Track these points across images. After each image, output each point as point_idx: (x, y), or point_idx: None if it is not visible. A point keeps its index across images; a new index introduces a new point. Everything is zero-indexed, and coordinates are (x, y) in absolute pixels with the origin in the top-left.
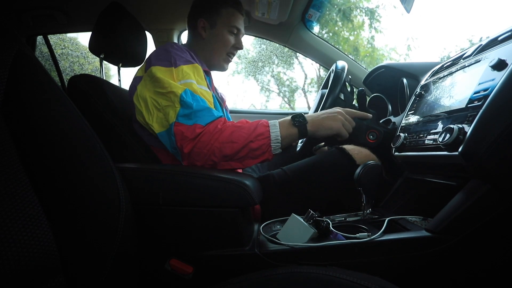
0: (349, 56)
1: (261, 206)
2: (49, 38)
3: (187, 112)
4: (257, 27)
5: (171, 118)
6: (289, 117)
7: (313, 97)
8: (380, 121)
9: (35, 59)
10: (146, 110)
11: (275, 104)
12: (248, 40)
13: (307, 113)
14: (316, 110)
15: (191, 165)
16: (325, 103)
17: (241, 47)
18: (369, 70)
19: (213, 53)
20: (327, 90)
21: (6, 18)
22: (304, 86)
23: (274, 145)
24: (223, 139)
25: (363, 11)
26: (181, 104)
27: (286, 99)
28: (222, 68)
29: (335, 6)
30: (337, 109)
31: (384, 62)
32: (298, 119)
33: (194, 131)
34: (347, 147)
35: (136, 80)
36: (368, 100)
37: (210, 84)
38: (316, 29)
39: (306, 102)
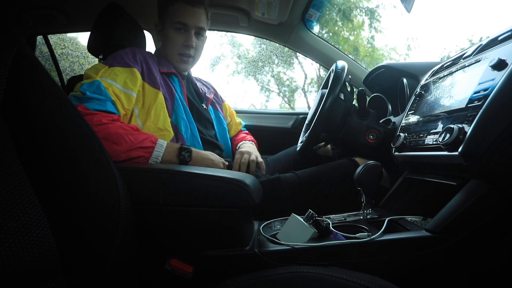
0: (349, 56)
1: (268, 207)
2: (49, 38)
3: (78, 96)
4: (257, 27)
5: None
6: (178, 146)
7: (313, 97)
8: (380, 121)
9: (35, 59)
10: None
11: (275, 104)
12: (248, 40)
13: (306, 113)
14: (316, 110)
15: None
16: (325, 103)
17: (189, 44)
18: (369, 70)
19: (167, 55)
20: (327, 90)
21: (6, 18)
22: (304, 86)
23: (151, 161)
24: (103, 135)
25: (363, 11)
26: (80, 90)
27: (286, 99)
28: (180, 70)
29: (335, 6)
30: (222, 160)
31: (384, 62)
32: (185, 155)
33: None
34: (359, 160)
35: None
36: (368, 100)
37: (180, 86)
38: (316, 29)
39: (306, 102)
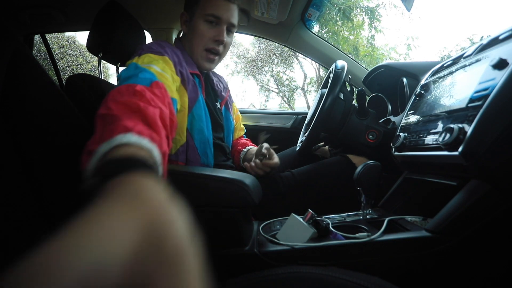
0: (349, 55)
1: (265, 206)
2: (46, 37)
3: (124, 76)
4: (256, 27)
5: None
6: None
7: (313, 97)
8: (380, 121)
9: (32, 58)
10: None
11: (275, 103)
12: (247, 40)
13: (305, 113)
14: (315, 110)
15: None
16: (324, 102)
17: (220, 39)
18: (369, 69)
19: (192, 49)
20: (326, 90)
21: (3, 17)
22: (303, 85)
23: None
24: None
25: (363, 10)
26: (118, 77)
27: (285, 99)
28: (204, 68)
29: (335, 6)
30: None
31: (384, 62)
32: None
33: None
34: (352, 157)
35: None
36: (367, 99)
37: (200, 88)
38: (315, 28)
39: (306, 102)
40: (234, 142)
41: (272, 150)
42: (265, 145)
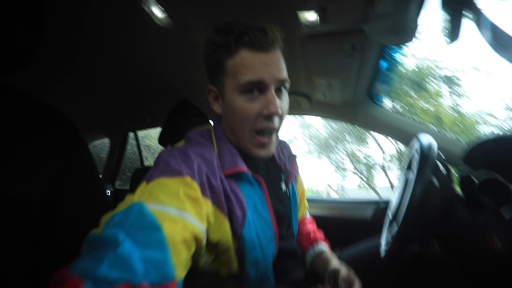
0: (433, 126)
1: None
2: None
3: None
4: (320, 109)
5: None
6: None
7: (394, 174)
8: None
9: (89, 165)
10: None
11: (352, 183)
12: (318, 119)
13: (387, 201)
14: (401, 198)
15: None
16: (414, 191)
17: (271, 111)
18: (468, 143)
19: (236, 136)
20: (413, 174)
21: (110, 120)
22: (383, 163)
23: None
24: None
25: (439, 79)
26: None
27: (364, 178)
28: (259, 157)
29: (405, 78)
30: None
31: (492, 135)
32: None
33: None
34: None
35: None
36: (478, 184)
37: (258, 190)
38: (388, 103)
39: (388, 180)
40: (299, 229)
41: (351, 277)
42: (343, 273)
